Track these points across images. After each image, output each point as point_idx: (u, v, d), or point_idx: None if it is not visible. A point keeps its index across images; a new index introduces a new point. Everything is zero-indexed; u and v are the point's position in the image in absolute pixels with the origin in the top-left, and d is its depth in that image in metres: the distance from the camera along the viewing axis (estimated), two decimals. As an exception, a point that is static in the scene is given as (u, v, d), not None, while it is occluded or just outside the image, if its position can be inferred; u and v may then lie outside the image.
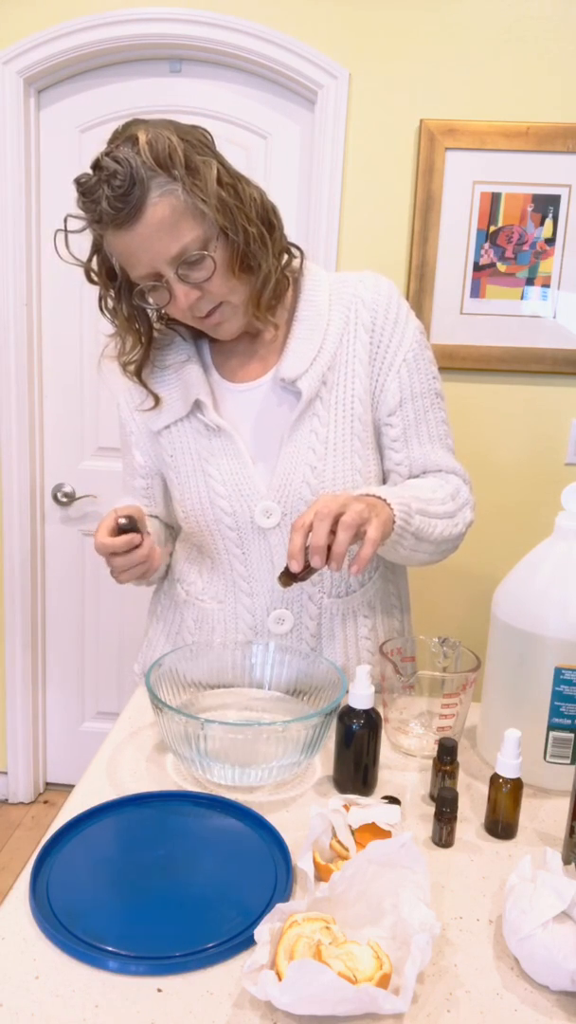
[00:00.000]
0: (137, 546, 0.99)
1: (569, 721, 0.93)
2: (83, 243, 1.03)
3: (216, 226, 0.97)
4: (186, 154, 0.95)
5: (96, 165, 0.94)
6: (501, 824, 0.87)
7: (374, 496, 0.98)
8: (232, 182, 0.99)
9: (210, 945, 0.69)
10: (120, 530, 0.98)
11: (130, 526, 0.98)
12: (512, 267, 2.05)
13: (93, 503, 2.35)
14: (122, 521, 0.98)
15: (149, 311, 1.10)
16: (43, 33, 2.02)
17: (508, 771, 0.85)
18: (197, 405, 1.11)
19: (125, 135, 0.96)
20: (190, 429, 1.13)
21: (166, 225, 0.94)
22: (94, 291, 1.11)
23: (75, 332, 2.26)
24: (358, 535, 0.92)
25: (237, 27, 1.98)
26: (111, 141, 0.97)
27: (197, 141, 0.98)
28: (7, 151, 2.09)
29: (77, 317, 2.25)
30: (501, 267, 2.05)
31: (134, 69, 2.11)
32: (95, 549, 0.99)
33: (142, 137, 0.94)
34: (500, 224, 2.03)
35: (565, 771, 0.95)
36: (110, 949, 0.68)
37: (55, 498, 2.35)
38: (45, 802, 2.53)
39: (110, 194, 0.92)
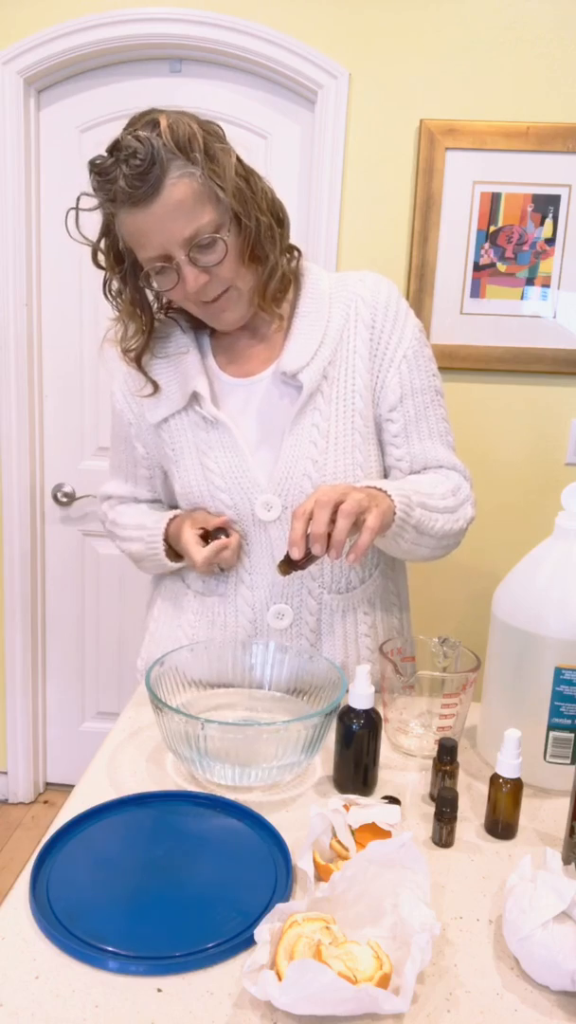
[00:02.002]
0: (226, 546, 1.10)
1: (569, 721, 0.93)
2: (89, 231, 1.04)
3: (230, 213, 0.99)
4: (205, 141, 0.96)
5: (115, 146, 0.95)
6: (501, 824, 0.87)
7: (375, 488, 0.99)
8: (246, 174, 1.01)
9: (210, 945, 0.69)
10: (206, 539, 1.11)
11: (216, 535, 1.11)
12: (512, 267, 2.05)
13: (93, 503, 2.35)
14: (217, 537, 1.11)
15: (150, 297, 1.11)
16: (43, 33, 2.02)
17: (508, 771, 0.85)
18: (194, 397, 1.11)
19: (145, 119, 0.97)
20: (188, 422, 1.13)
21: (182, 206, 0.95)
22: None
23: (75, 332, 2.26)
24: (357, 524, 0.93)
25: (237, 27, 1.98)
26: (130, 125, 0.98)
27: (214, 132, 1.00)
28: (7, 151, 2.09)
29: (77, 317, 2.25)
30: (501, 267, 2.05)
31: (134, 69, 2.11)
32: (199, 568, 1.09)
33: (163, 121, 0.95)
34: (500, 224, 2.03)
35: (565, 771, 0.95)
36: (110, 949, 0.68)
37: (55, 498, 2.35)
38: (45, 802, 2.53)
39: (128, 172, 0.93)
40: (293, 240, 1.11)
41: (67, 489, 2.34)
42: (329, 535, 0.93)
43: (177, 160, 0.94)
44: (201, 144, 0.96)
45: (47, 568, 2.42)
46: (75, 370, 2.28)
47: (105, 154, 0.96)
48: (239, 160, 1.00)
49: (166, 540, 1.16)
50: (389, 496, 0.99)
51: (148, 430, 1.18)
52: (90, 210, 1.01)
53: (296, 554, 0.94)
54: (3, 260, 2.15)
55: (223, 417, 1.10)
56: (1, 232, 2.13)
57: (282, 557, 0.98)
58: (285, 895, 0.75)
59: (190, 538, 1.09)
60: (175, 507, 1.26)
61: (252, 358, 1.14)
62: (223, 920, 0.72)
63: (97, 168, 0.96)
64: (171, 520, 1.16)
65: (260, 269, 1.05)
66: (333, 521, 0.92)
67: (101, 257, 1.06)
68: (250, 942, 0.69)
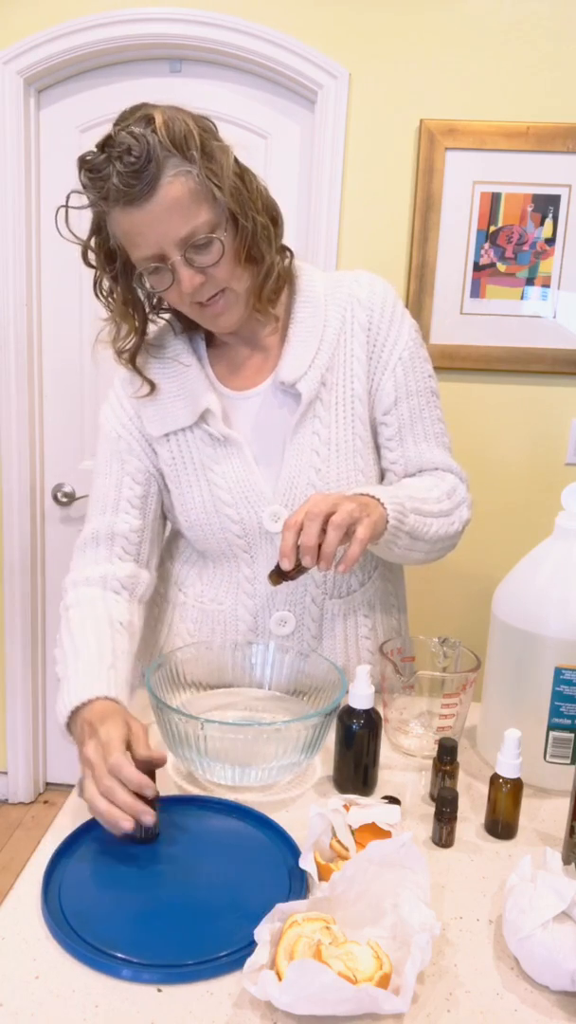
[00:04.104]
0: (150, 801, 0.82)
1: (569, 721, 0.93)
2: (83, 228, 1.02)
3: (226, 212, 0.96)
4: (202, 138, 0.94)
5: (107, 142, 0.92)
6: (501, 824, 0.87)
7: (367, 495, 0.98)
8: (241, 172, 0.99)
9: (222, 954, 0.68)
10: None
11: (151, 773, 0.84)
12: (512, 267, 2.05)
13: (93, 503, 2.35)
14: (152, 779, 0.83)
15: (141, 296, 1.07)
16: (43, 33, 2.02)
17: (508, 771, 0.85)
18: (203, 415, 1.09)
19: (138, 115, 0.94)
20: (193, 438, 1.10)
21: (178, 206, 0.93)
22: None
23: (75, 332, 2.26)
24: (348, 534, 0.92)
25: (237, 27, 1.98)
26: (121, 120, 0.94)
27: (209, 128, 0.97)
28: (7, 151, 2.09)
29: (77, 317, 2.25)
30: (501, 267, 2.05)
31: (134, 69, 2.11)
32: (109, 766, 0.82)
33: (159, 118, 0.92)
34: (500, 224, 2.03)
35: (565, 771, 0.95)
36: (121, 956, 0.67)
37: (55, 498, 2.35)
38: (45, 802, 2.53)
39: (122, 170, 0.90)
40: (292, 240, 1.10)
41: (67, 489, 2.34)
42: (320, 546, 0.91)
43: (173, 158, 0.92)
44: (198, 142, 0.93)
45: (47, 568, 2.42)
46: (75, 370, 2.29)
47: (96, 150, 0.93)
48: (236, 157, 0.98)
49: (77, 709, 0.92)
50: (381, 503, 0.98)
51: (143, 442, 1.13)
52: (80, 208, 0.98)
53: (286, 565, 0.93)
54: (3, 260, 2.15)
55: (234, 434, 1.08)
56: (1, 232, 2.13)
57: (272, 567, 0.98)
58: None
59: (115, 735, 0.85)
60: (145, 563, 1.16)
61: (250, 368, 1.12)
62: (235, 927, 0.71)
63: (88, 164, 0.93)
64: (103, 698, 0.93)
65: (256, 270, 1.03)
66: (324, 531, 0.92)
67: (92, 256, 1.03)
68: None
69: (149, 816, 0.80)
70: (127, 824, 0.78)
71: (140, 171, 0.90)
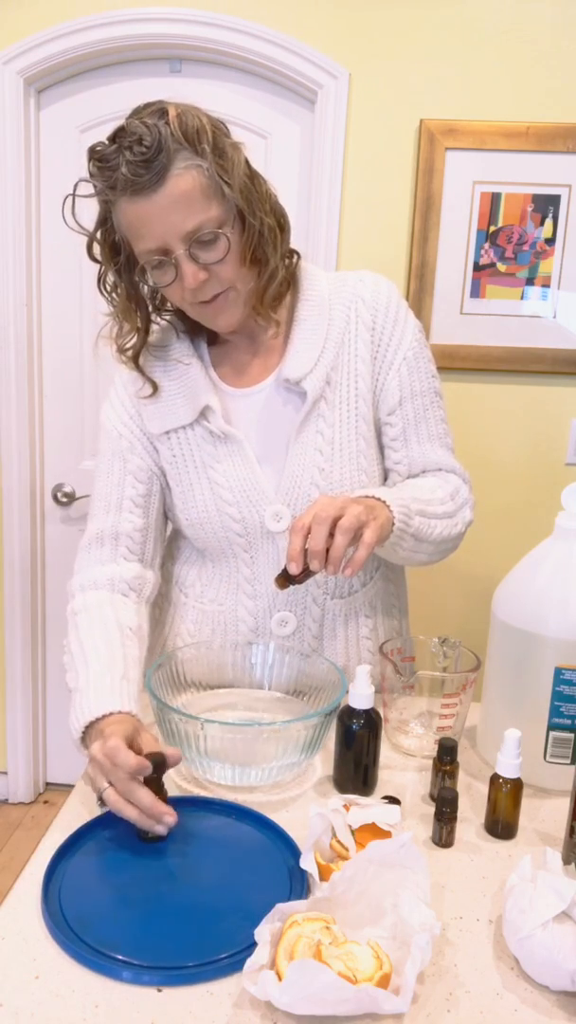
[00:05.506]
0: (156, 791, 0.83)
1: (569, 721, 0.93)
2: (88, 223, 1.02)
3: (234, 210, 0.96)
4: (214, 134, 0.94)
5: (118, 133, 0.92)
6: (501, 824, 0.87)
7: (373, 498, 0.98)
8: (252, 175, 0.99)
9: (223, 955, 0.68)
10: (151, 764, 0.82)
11: (158, 765, 0.83)
12: (512, 267, 2.05)
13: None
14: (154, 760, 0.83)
15: (145, 294, 1.07)
16: (43, 33, 2.02)
17: (508, 771, 0.85)
18: (203, 412, 1.08)
19: (152, 108, 0.94)
20: (194, 436, 1.10)
21: (186, 199, 0.92)
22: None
23: (75, 332, 2.26)
24: (355, 537, 0.92)
25: (237, 27, 1.98)
26: (135, 113, 0.95)
27: (222, 128, 0.98)
28: (7, 151, 2.09)
29: (77, 317, 2.25)
30: (501, 267, 2.05)
31: (134, 69, 2.11)
32: (106, 754, 0.82)
33: (172, 111, 0.93)
34: (500, 224, 2.03)
35: (565, 771, 0.95)
36: (121, 958, 0.67)
37: (55, 498, 2.35)
38: (45, 802, 2.53)
39: (132, 159, 0.90)
40: (293, 241, 1.10)
41: (67, 489, 2.34)
42: (327, 550, 0.91)
43: (184, 151, 0.92)
44: (210, 137, 0.93)
45: (47, 568, 2.42)
46: (75, 370, 2.29)
47: (106, 141, 0.93)
48: (246, 160, 0.98)
49: (91, 723, 0.92)
50: (387, 506, 0.97)
51: (144, 441, 1.13)
52: (86, 197, 0.97)
53: (294, 569, 0.93)
54: (3, 260, 2.15)
55: (234, 432, 1.08)
56: (1, 232, 2.13)
57: (279, 571, 0.97)
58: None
59: (118, 741, 0.82)
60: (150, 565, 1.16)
61: (251, 368, 1.12)
62: (235, 929, 0.71)
63: (98, 154, 0.93)
64: (116, 713, 0.92)
65: (260, 272, 1.02)
66: (331, 535, 0.91)
67: (97, 249, 1.02)
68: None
69: (171, 817, 0.81)
70: (171, 819, 0.81)
71: (150, 161, 0.90)
